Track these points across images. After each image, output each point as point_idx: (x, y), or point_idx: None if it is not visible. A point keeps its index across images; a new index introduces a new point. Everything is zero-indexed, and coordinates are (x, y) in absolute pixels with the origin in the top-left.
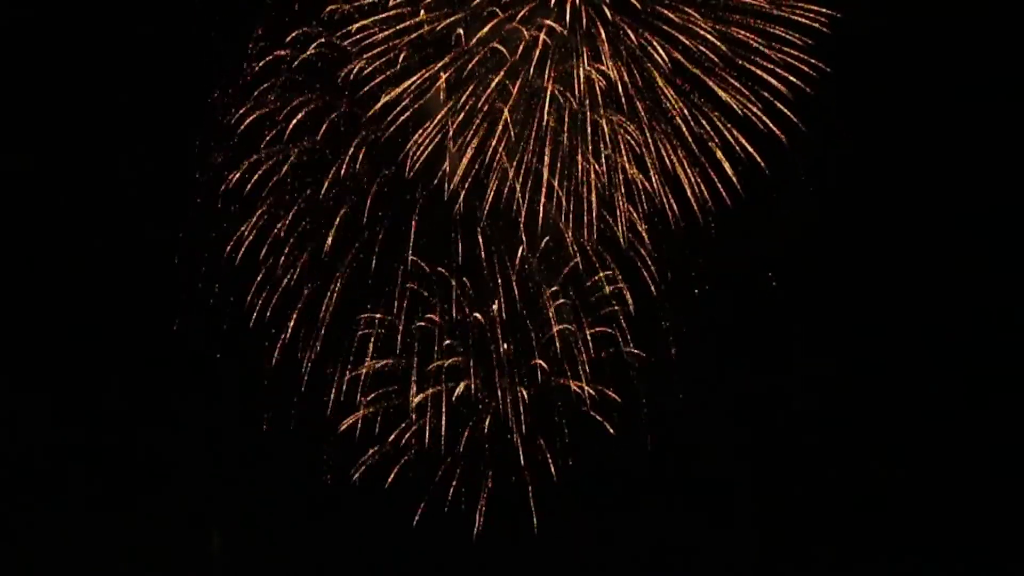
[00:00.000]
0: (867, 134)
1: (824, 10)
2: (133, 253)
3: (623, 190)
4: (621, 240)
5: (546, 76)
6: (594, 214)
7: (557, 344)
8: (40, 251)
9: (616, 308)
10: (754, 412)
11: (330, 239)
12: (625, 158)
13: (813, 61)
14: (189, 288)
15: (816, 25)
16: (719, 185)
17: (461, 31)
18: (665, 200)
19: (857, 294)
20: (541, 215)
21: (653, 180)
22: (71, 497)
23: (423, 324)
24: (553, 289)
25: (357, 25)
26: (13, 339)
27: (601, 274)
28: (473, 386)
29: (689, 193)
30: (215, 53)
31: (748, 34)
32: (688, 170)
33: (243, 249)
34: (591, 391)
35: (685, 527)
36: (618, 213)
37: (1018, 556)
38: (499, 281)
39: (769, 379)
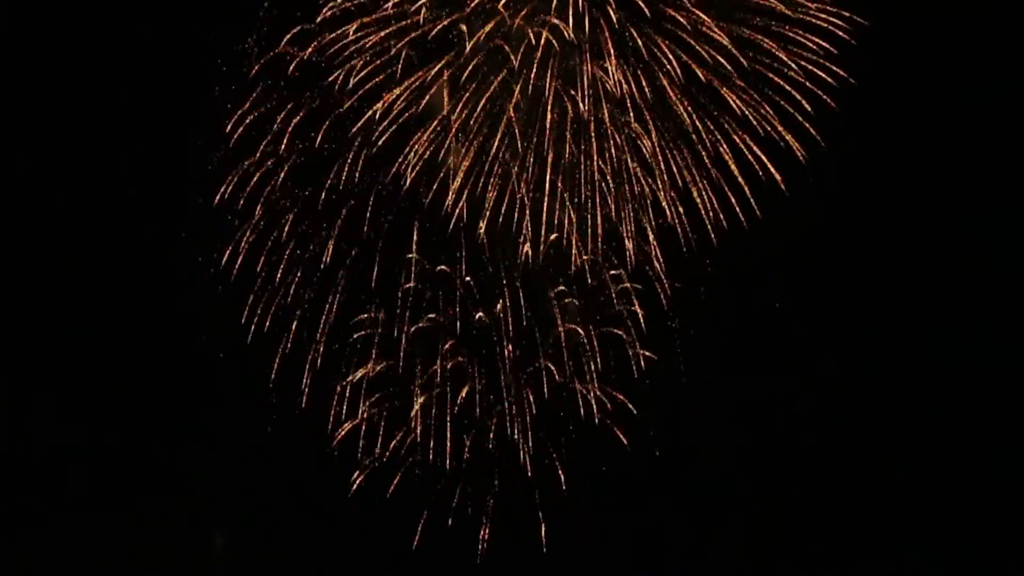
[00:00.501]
0: (866, 134)
1: (835, 9)
2: (133, 253)
3: (628, 193)
4: (627, 243)
5: (549, 76)
6: (599, 216)
7: (563, 345)
8: (40, 251)
9: (622, 309)
10: (755, 412)
11: (331, 242)
12: (628, 155)
13: (827, 64)
14: (189, 289)
15: (831, 28)
16: (730, 195)
17: (464, 27)
18: (671, 207)
19: (858, 295)
20: (545, 214)
21: (658, 182)
22: (71, 497)
23: (425, 325)
24: (559, 289)
25: (355, 24)
26: (13, 339)
27: (607, 273)
28: (477, 390)
29: (699, 203)
30: (215, 53)
31: (758, 35)
32: (695, 175)
33: (243, 249)
34: (600, 394)
35: (685, 527)
36: (623, 215)
37: (1018, 556)
38: (503, 281)
39: (770, 379)
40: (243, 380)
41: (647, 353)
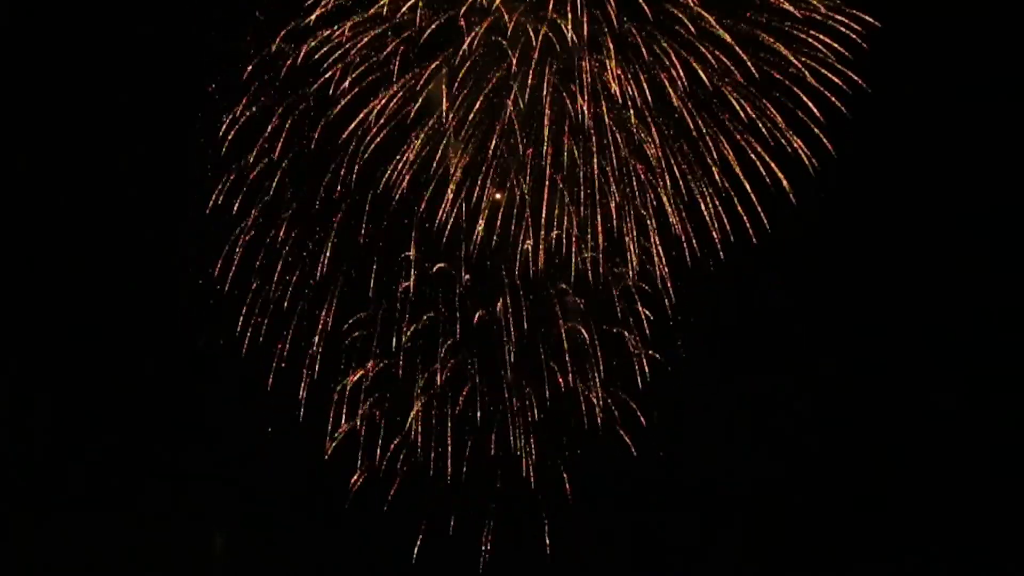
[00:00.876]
0: (867, 137)
1: (839, 3)
2: (133, 253)
3: (629, 192)
4: (628, 240)
5: (547, 73)
6: (599, 214)
7: (565, 343)
8: (40, 251)
9: (624, 308)
10: (755, 412)
11: (329, 242)
12: (628, 152)
13: (836, 65)
14: (188, 291)
15: (841, 28)
16: (733, 196)
17: (462, 23)
18: (671, 202)
19: (858, 295)
20: (544, 212)
21: (658, 179)
22: (71, 497)
23: (424, 325)
24: (560, 287)
25: (350, 22)
26: (13, 339)
27: (610, 272)
28: (478, 392)
29: (701, 204)
30: (214, 53)
31: (759, 31)
32: (697, 177)
33: (239, 250)
34: (603, 395)
35: (685, 527)
36: (624, 213)
37: (1018, 556)
38: (504, 279)
39: (770, 379)
40: (243, 380)
41: (651, 352)
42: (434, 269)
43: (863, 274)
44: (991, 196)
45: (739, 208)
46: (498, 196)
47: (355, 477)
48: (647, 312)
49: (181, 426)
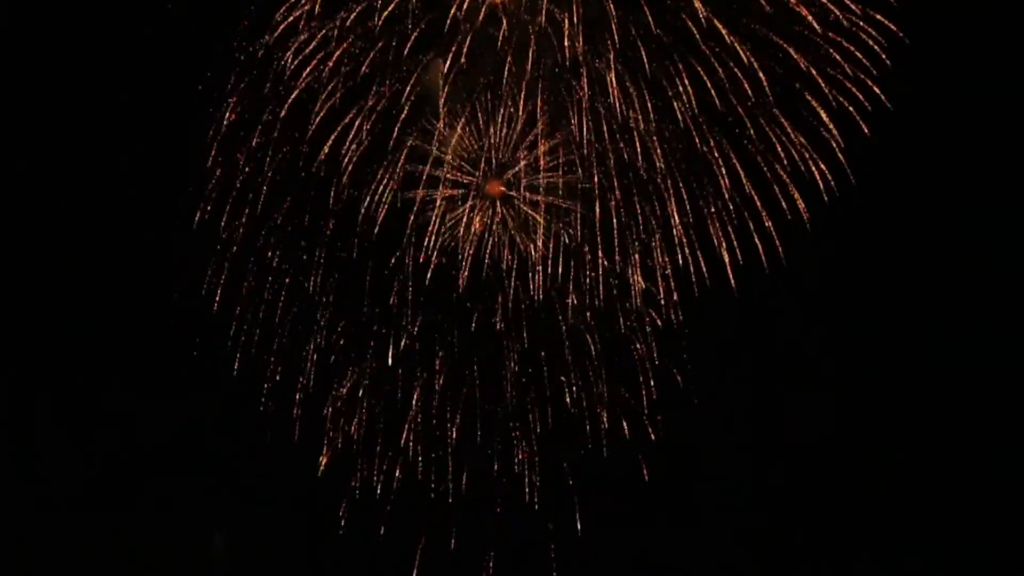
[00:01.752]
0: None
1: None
2: (134, 253)
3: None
4: (630, 238)
5: (543, 70)
6: (597, 215)
7: (568, 353)
8: (40, 251)
9: (626, 314)
10: (754, 413)
11: (323, 243)
12: (620, 141)
13: (856, 74)
14: (187, 288)
15: (875, 46)
16: (738, 199)
17: (458, 14)
18: (672, 195)
19: (858, 295)
20: (544, 211)
21: (657, 181)
22: (71, 497)
23: (421, 327)
24: (561, 287)
25: (338, 20)
26: (13, 339)
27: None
28: (478, 402)
29: (705, 211)
30: (213, 53)
31: (762, 28)
32: (705, 191)
33: (236, 247)
34: (608, 398)
35: (685, 528)
36: (623, 212)
37: (1018, 556)
38: (504, 283)
39: (770, 380)
40: (240, 381)
41: (656, 360)
42: (430, 273)
43: (863, 274)
44: (991, 196)
45: (745, 214)
46: (495, 195)
47: (352, 481)
48: (653, 312)
49: (181, 426)
